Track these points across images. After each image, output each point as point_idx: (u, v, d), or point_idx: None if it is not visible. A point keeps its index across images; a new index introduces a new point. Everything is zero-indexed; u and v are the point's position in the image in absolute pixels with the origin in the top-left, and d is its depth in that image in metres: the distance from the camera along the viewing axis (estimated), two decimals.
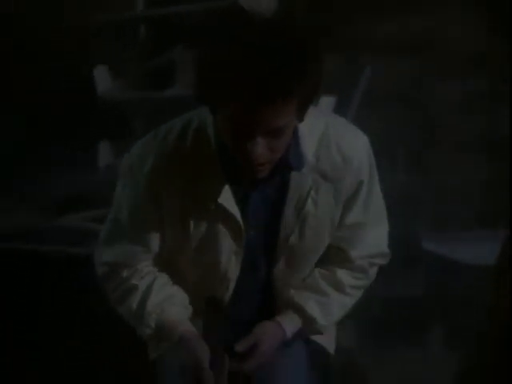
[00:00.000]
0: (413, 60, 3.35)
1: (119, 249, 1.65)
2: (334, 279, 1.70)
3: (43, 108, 3.15)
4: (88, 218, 2.80)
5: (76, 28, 3.15)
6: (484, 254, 2.59)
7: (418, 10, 3.29)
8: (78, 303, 2.41)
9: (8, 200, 3.06)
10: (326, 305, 1.69)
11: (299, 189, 1.57)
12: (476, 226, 3.15)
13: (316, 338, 1.77)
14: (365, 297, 1.78)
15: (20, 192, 3.08)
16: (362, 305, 1.79)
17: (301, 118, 1.44)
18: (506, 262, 2.25)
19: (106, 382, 2.58)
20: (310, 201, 1.58)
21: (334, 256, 1.71)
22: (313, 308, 1.68)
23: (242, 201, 1.57)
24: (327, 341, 1.81)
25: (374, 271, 1.75)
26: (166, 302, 1.64)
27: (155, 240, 1.64)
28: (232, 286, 1.66)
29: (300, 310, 1.68)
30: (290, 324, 1.67)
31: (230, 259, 1.62)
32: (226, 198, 1.55)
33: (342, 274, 1.70)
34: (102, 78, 3.10)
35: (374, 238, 1.71)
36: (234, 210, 1.56)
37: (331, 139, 1.57)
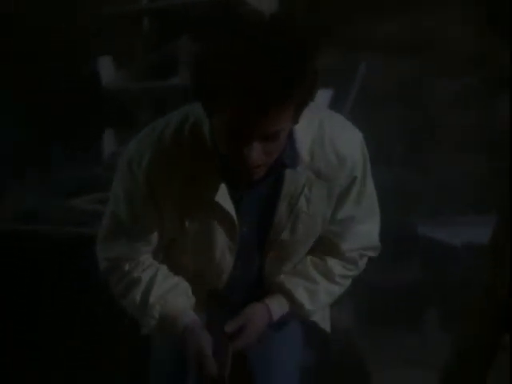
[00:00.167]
0: (412, 59, 3.35)
1: (120, 243, 1.66)
2: (324, 268, 1.73)
3: (53, 99, 3.18)
4: (95, 200, 2.83)
5: (81, 20, 3.19)
6: (479, 237, 2.58)
7: (418, 10, 3.29)
8: (85, 282, 2.41)
9: (21, 185, 3.09)
10: (315, 292, 1.72)
11: (293, 186, 1.58)
12: (471, 212, 3.18)
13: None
14: (363, 282, 1.81)
15: (31, 177, 3.10)
16: (361, 290, 1.84)
17: (296, 121, 1.44)
18: (500, 241, 2.26)
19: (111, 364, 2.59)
20: (303, 198, 1.59)
21: (326, 247, 1.73)
22: (301, 294, 1.71)
23: (236, 198, 1.58)
24: (321, 319, 1.83)
25: (363, 262, 1.78)
26: (169, 292, 1.66)
27: (154, 233, 1.65)
28: (226, 276, 1.69)
29: (289, 295, 1.71)
30: (277, 307, 1.70)
31: (223, 254, 1.65)
32: (222, 196, 1.56)
33: (333, 264, 1.73)
34: (107, 69, 3.14)
35: (365, 232, 1.73)
36: (230, 207, 1.57)
37: (325, 137, 1.56)
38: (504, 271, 2.21)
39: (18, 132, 3.14)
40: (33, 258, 2.68)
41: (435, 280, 3.03)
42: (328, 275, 1.73)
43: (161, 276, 1.68)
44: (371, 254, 1.77)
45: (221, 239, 1.62)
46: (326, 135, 1.56)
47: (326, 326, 1.87)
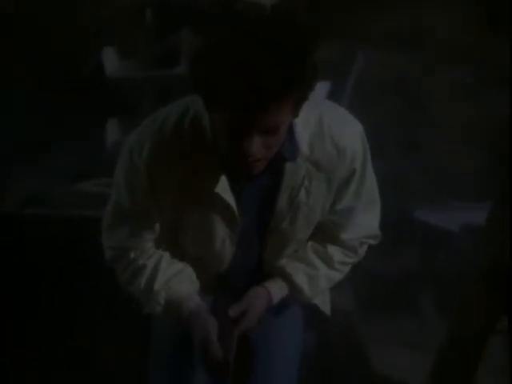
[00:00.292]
0: (410, 54, 3.34)
1: (123, 232, 1.67)
2: (325, 254, 1.74)
3: (60, 89, 3.19)
4: (102, 184, 2.84)
5: (87, 11, 3.18)
6: (476, 219, 2.65)
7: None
8: (90, 267, 2.38)
9: (33, 169, 3.10)
10: (315, 277, 1.74)
11: (293, 179, 1.58)
12: (468, 198, 3.19)
13: None
14: (362, 269, 1.84)
15: (42, 162, 3.12)
16: (361, 276, 1.87)
17: (296, 114, 1.44)
18: (495, 224, 2.31)
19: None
20: (303, 190, 1.60)
21: (327, 235, 1.75)
22: (301, 279, 1.73)
23: (237, 190, 1.59)
24: (321, 302, 1.86)
25: (363, 249, 1.80)
26: (173, 278, 1.68)
27: (156, 222, 1.67)
28: (226, 263, 1.72)
29: (289, 279, 1.72)
30: (278, 291, 1.72)
31: (224, 243, 1.67)
32: (223, 188, 1.56)
33: (334, 251, 1.75)
34: (110, 60, 3.17)
35: (365, 222, 1.74)
36: (231, 199, 1.58)
37: (325, 130, 1.56)
38: (497, 252, 2.27)
39: (23, 120, 3.16)
40: (39, 242, 2.69)
41: (432, 265, 3.06)
42: (328, 261, 1.74)
43: (165, 262, 1.69)
44: (371, 242, 1.79)
45: (221, 230, 1.64)
46: (326, 128, 1.57)
47: (326, 309, 1.89)
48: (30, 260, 2.70)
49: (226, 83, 1.29)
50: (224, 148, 1.45)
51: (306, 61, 1.32)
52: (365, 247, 1.80)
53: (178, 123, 1.55)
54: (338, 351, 2.63)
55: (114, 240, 1.70)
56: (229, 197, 1.57)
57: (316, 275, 1.74)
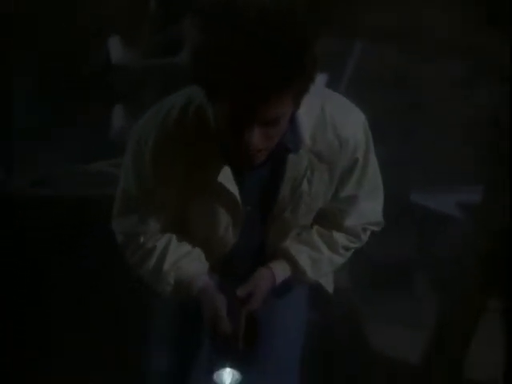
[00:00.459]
0: (407, 46, 3.37)
1: (132, 219, 1.68)
2: (330, 239, 1.75)
3: (69, 77, 3.24)
4: (111, 164, 2.88)
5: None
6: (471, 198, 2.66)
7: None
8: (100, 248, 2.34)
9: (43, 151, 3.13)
10: (318, 260, 1.75)
11: (296, 169, 1.58)
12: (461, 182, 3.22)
13: None
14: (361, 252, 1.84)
15: (49, 147, 3.15)
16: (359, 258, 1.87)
17: (297, 106, 1.43)
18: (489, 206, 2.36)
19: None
20: (305, 180, 1.59)
21: (330, 222, 1.75)
22: (305, 261, 1.73)
23: (239, 179, 1.59)
24: (326, 281, 1.87)
25: (366, 235, 1.79)
26: (183, 259, 1.69)
27: (163, 209, 1.67)
28: (230, 248, 1.72)
29: (293, 261, 1.73)
30: (281, 272, 1.73)
31: (227, 230, 1.68)
32: (226, 177, 1.56)
33: (338, 236, 1.75)
34: (116, 48, 3.21)
35: (368, 209, 1.73)
36: (234, 189, 1.58)
37: (327, 121, 1.55)
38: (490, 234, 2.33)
39: (33, 107, 3.20)
40: (48, 223, 2.71)
41: (428, 247, 3.09)
42: (332, 246, 1.75)
43: (174, 244, 1.71)
44: (374, 228, 1.79)
45: (224, 218, 1.65)
46: (328, 118, 1.55)
47: (329, 287, 1.89)
48: (35, 242, 2.73)
49: (226, 81, 1.29)
50: (225, 139, 1.45)
51: (306, 57, 1.31)
52: (368, 233, 1.79)
53: (182, 114, 1.55)
54: (340, 331, 2.67)
55: (123, 226, 1.71)
56: (232, 186, 1.58)
57: (319, 258, 1.75)
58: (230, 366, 1.62)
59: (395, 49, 3.39)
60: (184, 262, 1.69)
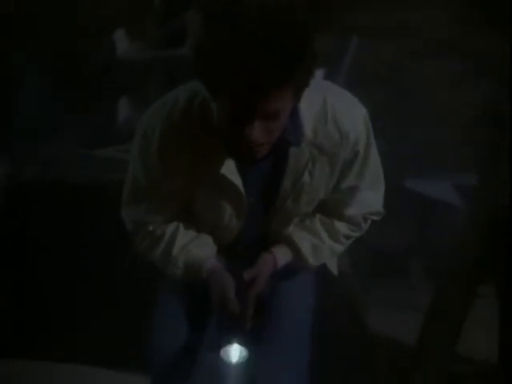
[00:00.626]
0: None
1: (142, 207, 1.71)
2: (332, 227, 1.79)
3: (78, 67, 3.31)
4: (121, 150, 2.92)
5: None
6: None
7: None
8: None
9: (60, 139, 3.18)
10: (319, 248, 1.78)
11: (297, 162, 1.60)
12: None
13: None
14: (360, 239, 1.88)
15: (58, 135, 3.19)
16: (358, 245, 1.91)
17: (297, 100, 1.46)
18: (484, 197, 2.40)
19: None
20: (306, 172, 1.62)
21: (332, 211, 1.78)
22: (307, 248, 1.77)
23: (243, 172, 1.61)
24: (331, 264, 1.91)
25: (367, 225, 1.83)
26: (191, 243, 1.73)
27: (170, 199, 1.70)
28: (234, 235, 1.76)
29: (295, 247, 1.77)
30: (282, 256, 1.77)
31: (231, 220, 1.71)
32: (229, 170, 1.59)
33: (339, 225, 1.79)
34: (121, 41, 3.26)
35: (369, 199, 1.76)
36: (238, 181, 1.61)
37: (328, 114, 1.57)
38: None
39: (46, 97, 3.26)
40: (60, 206, 2.74)
41: (425, 235, 3.15)
42: (334, 234, 1.79)
43: (182, 230, 1.74)
44: (375, 218, 1.83)
45: (228, 209, 1.68)
46: (329, 112, 1.57)
47: (333, 269, 1.93)
48: (41, 227, 2.74)
49: (226, 81, 1.33)
50: (227, 133, 1.48)
51: (306, 53, 1.34)
52: (368, 222, 1.83)
53: (187, 107, 1.57)
54: (340, 315, 2.67)
55: (132, 214, 1.75)
56: (235, 178, 1.60)
57: (321, 246, 1.78)
58: (238, 343, 1.64)
59: (395, 48, 3.43)
60: (192, 245, 1.73)
